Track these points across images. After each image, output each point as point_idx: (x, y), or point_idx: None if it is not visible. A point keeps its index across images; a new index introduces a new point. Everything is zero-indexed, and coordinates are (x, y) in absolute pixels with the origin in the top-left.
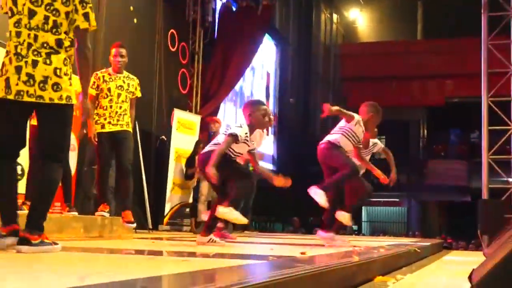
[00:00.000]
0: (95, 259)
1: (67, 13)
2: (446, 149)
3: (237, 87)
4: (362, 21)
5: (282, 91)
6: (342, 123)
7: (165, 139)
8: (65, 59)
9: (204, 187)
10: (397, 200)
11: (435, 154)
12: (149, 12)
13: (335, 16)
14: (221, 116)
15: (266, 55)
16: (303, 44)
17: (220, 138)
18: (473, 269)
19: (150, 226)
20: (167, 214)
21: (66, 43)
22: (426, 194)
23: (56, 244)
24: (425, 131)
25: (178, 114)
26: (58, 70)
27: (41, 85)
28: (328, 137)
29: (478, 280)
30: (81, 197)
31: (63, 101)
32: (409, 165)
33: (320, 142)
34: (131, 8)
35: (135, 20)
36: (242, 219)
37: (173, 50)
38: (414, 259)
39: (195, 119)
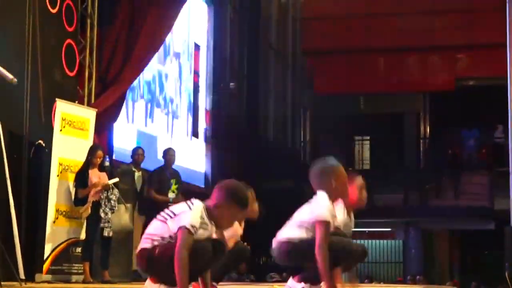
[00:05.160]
0: None
1: None
2: (458, 154)
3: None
4: None
5: (218, 73)
6: (305, 215)
7: (43, 145)
8: None
9: None
10: (389, 230)
11: (442, 161)
12: None
13: None
14: (127, 116)
15: (193, 20)
16: (249, 3)
17: None
18: None
19: (23, 276)
20: (48, 258)
21: None
22: (430, 220)
23: None
24: (427, 128)
25: (63, 108)
26: None
27: None
28: (287, 233)
29: None
30: None
31: None
32: (405, 179)
33: (278, 239)
34: None
35: None
36: None
37: (53, 12)
38: None
39: (88, 115)
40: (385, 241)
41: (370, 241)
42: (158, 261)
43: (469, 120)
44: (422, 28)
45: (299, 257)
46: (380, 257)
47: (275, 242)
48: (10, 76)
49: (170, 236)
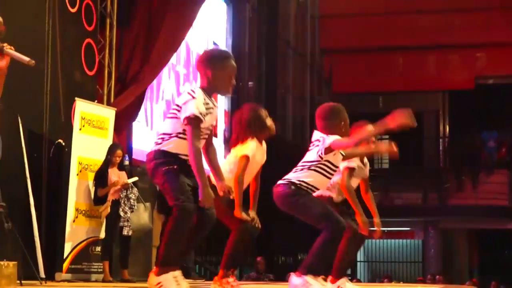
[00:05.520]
0: None
1: None
2: (478, 153)
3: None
4: None
5: (237, 72)
6: (314, 155)
7: (63, 144)
8: None
9: None
10: (409, 229)
11: (461, 161)
12: None
13: None
14: (146, 117)
15: (212, 19)
16: (267, 2)
17: None
18: None
19: (43, 275)
20: (67, 257)
21: None
22: (450, 219)
23: None
24: (447, 127)
25: (82, 107)
26: None
27: None
28: (293, 175)
29: None
30: None
31: None
32: (424, 178)
33: (279, 182)
34: None
35: None
36: None
37: (72, 11)
38: None
39: (107, 114)
40: (404, 240)
41: (389, 240)
42: (161, 181)
43: (489, 118)
44: (441, 26)
45: (300, 206)
46: (399, 257)
47: (280, 183)
48: (26, 58)
49: (184, 130)
